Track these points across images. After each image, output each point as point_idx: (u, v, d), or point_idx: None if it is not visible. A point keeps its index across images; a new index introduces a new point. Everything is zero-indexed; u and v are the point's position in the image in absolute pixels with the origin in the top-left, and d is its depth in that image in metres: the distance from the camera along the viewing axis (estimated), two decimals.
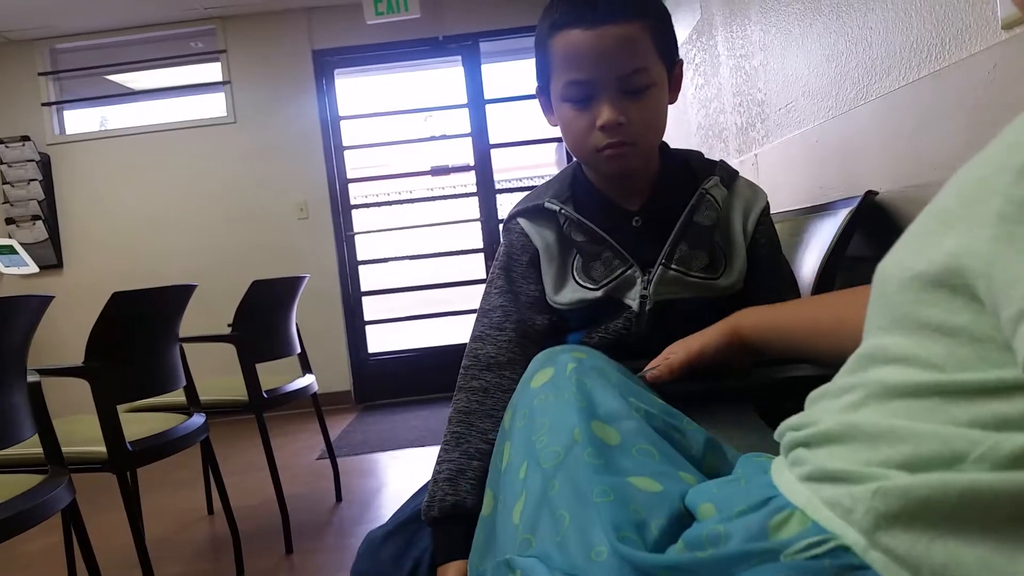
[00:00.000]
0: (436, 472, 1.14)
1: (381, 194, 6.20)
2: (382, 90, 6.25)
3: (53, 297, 1.91)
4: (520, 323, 1.24)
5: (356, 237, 5.85)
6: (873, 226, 1.34)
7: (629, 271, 1.21)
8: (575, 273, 1.24)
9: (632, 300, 1.20)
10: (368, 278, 5.92)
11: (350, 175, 5.86)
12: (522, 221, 1.30)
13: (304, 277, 3.36)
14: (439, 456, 1.16)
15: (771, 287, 1.24)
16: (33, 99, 5.70)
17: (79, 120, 6.02)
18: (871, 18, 1.44)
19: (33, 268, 5.04)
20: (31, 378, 1.82)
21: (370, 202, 6.05)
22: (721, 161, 1.31)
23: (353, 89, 6.02)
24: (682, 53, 3.11)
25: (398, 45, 5.75)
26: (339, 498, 3.37)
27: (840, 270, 1.30)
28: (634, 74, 1.16)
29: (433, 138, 5.98)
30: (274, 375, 3.06)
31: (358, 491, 3.49)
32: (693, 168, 1.29)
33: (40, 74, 5.72)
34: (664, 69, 1.21)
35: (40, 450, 1.88)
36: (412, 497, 1.16)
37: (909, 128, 1.30)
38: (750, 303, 1.21)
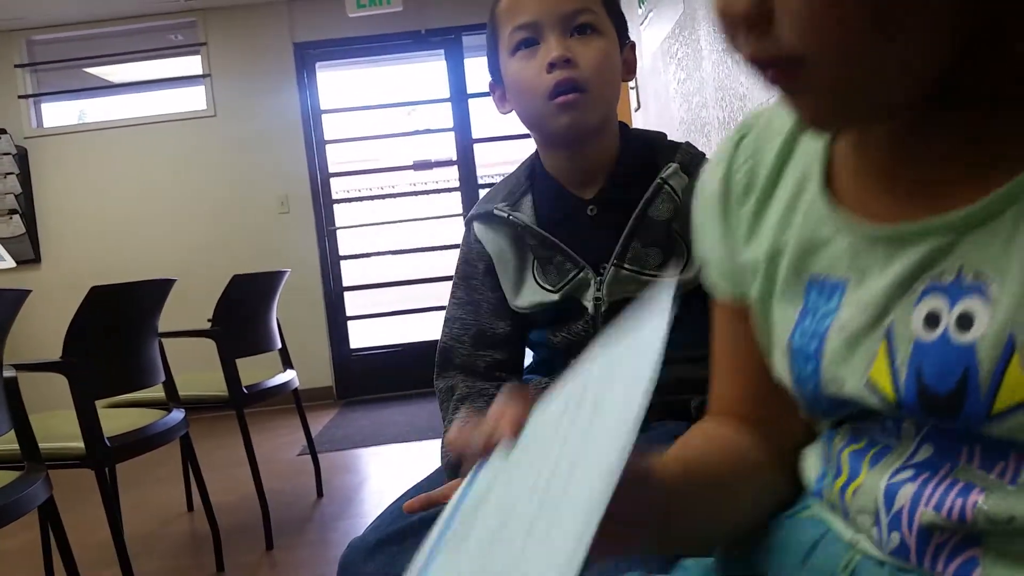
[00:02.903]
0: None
1: (364, 189, 6.18)
2: (364, 84, 6.23)
3: (30, 291, 1.89)
4: (479, 334, 1.25)
5: (338, 232, 5.83)
6: None
7: (581, 273, 1.18)
8: (535, 274, 1.22)
9: (588, 302, 1.18)
10: (350, 273, 5.90)
11: (332, 169, 5.83)
12: (476, 226, 1.27)
13: (285, 272, 3.34)
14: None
15: None
16: (9, 91, 5.64)
17: (57, 113, 5.96)
18: None
19: (10, 263, 4.99)
20: (7, 373, 1.80)
21: (352, 196, 6.03)
22: (685, 143, 1.26)
23: (335, 82, 6.00)
24: (664, 48, 3.11)
25: (380, 38, 5.72)
26: (320, 494, 3.36)
27: None
28: (579, 13, 1.15)
29: (416, 132, 5.96)
30: (255, 370, 3.04)
31: (339, 487, 3.48)
32: (655, 152, 1.24)
33: (16, 66, 5.66)
34: (612, 28, 1.19)
35: (16, 446, 1.86)
36: (393, 506, 1.15)
37: None
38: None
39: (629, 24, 1.27)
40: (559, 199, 1.23)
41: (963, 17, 0.47)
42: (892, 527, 0.55)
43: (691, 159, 1.22)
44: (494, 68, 1.25)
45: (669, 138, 1.28)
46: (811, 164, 0.61)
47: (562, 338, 1.21)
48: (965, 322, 0.49)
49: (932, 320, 0.51)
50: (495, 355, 1.25)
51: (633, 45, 1.26)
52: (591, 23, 1.16)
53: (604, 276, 1.17)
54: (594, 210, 1.21)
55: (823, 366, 0.57)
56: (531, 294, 1.22)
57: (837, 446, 0.62)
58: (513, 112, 1.27)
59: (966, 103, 0.51)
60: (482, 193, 1.46)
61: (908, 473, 0.55)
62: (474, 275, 1.28)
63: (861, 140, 0.58)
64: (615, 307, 1.17)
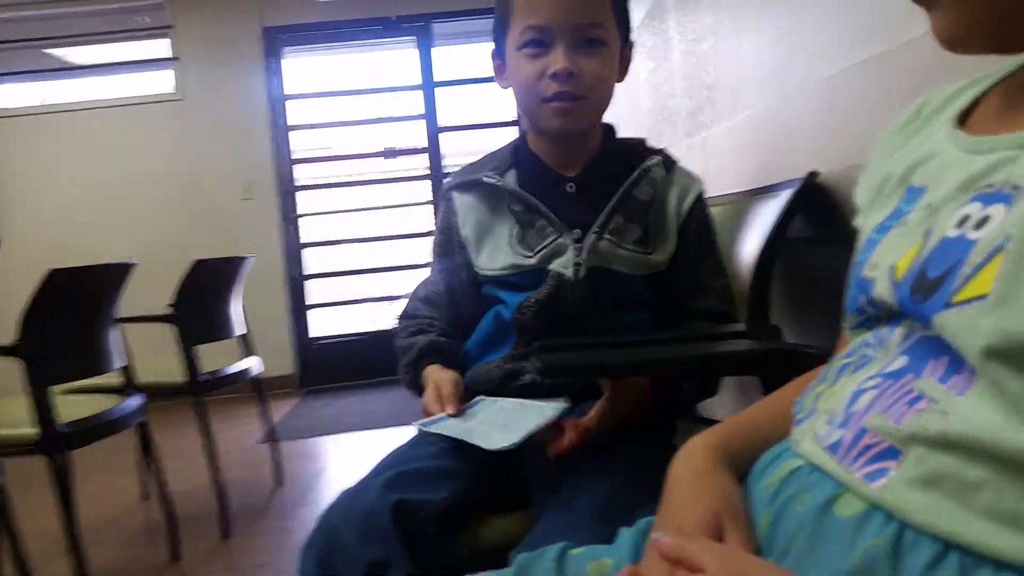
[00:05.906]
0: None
1: (331, 176, 6.11)
2: (334, 70, 6.15)
3: None
4: (451, 298, 1.35)
5: (302, 219, 5.77)
6: (814, 207, 1.34)
7: (561, 239, 1.23)
8: (513, 243, 1.27)
9: (565, 268, 1.22)
10: (313, 261, 5.84)
11: (300, 155, 5.77)
12: (456, 195, 1.34)
13: (248, 258, 3.29)
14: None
15: (694, 270, 1.27)
16: None
17: (16, 94, 5.83)
18: (820, 0, 1.44)
19: None
20: None
21: (319, 183, 5.97)
22: (664, 148, 1.34)
23: (305, 68, 5.92)
24: (634, 37, 3.10)
25: (350, 24, 5.67)
26: (279, 482, 3.32)
27: (781, 251, 1.31)
28: (591, 27, 1.20)
29: (383, 120, 5.90)
30: (216, 357, 3.00)
31: (299, 475, 3.45)
32: (635, 151, 1.32)
33: None
34: (619, 38, 1.25)
35: None
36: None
37: (852, 109, 1.31)
38: (672, 283, 1.26)
39: None
40: (541, 174, 1.31)
41: None
42: (841, 426, 0.58)
43: (669, 159, 1.32)
44: (499, 46, 1.31)
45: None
46: (960, 104, 0.66)
47: (535, 303, 1.23)
48: (981, 224, 0.52)
49: (963, 222, 0.54)
50: (454, 318, 1.35)
51: (632, 44, 1.33)
52: (600, 37, 1.22)
53: (584, 242, 1.22)
54: (573, 187, 1.29)
55: (874, 251, 0.63)
56: (506, 257, 1.26)
57: (836, 359, 0.67)
58: (504, 91, 1.33)
59: None
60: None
61: (876, 381, 0.57)
62: (451, 240, 1.34)
63: (1002, 83, 0.63)
64: (592, 274, 1.22)
